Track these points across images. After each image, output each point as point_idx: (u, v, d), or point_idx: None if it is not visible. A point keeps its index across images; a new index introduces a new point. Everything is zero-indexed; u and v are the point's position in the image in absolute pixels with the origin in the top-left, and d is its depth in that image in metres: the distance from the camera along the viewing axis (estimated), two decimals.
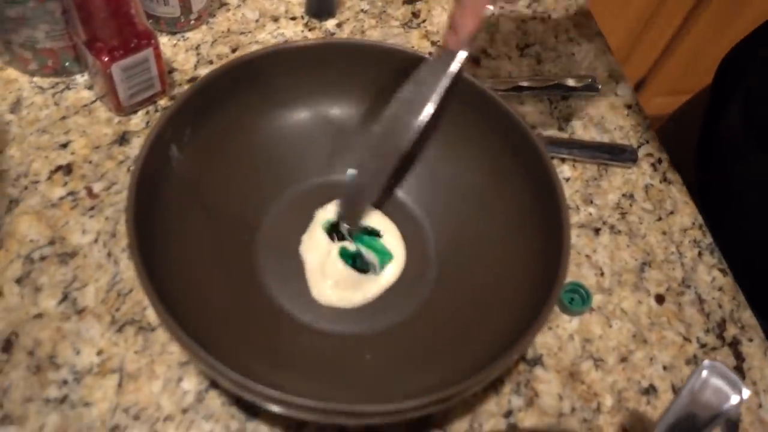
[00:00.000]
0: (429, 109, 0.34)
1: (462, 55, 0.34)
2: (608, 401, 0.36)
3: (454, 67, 0.34)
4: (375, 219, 0.39)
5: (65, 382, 0.33)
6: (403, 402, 0.27)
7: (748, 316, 0.41)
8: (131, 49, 0.39)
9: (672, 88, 1.47)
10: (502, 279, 0.36)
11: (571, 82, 0.49)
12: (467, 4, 0.32)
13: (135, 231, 0.29)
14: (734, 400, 0.26)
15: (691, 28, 1.29)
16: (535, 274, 0.34)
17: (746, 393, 0.27)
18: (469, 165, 0.39)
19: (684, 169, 0.47)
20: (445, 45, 0.34)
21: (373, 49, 0.38)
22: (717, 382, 0.26)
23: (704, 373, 0.27)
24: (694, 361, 0.38)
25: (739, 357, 0.39)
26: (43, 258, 0.36)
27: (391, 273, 0.38)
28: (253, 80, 0.37)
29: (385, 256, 0.38)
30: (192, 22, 0.47)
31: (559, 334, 0.39)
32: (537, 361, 0.38)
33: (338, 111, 0.40)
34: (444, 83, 0.34)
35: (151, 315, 0.35)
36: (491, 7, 0.33)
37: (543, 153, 0.35)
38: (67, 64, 0.43)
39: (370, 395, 0.31)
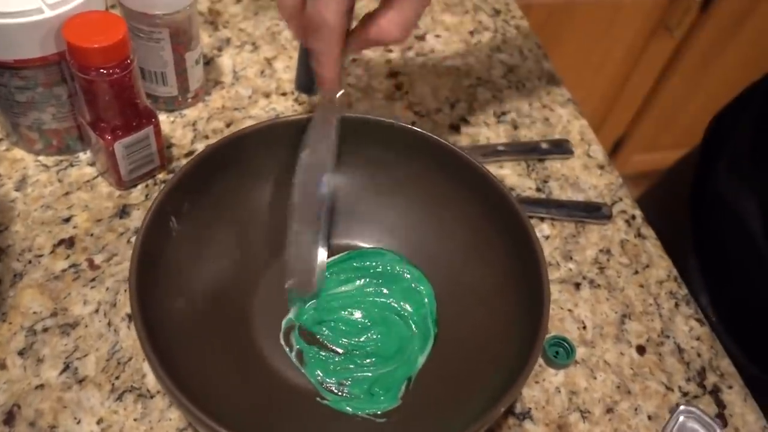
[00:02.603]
0: (329, 150, 0.38)
1: (338, 96, 0.38)
2: None
3: (337, 110, 0.38)
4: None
5: None
6: None
7: (726, 364, 0.43)
8: (133, 128, 0.42)
9: (650, 146, 1.53)
10: (490, 337, 0.37)
11: (546, 146, 0.52)
12: (319, 62, 0.35)
13: (138, 300, 0.31)
14: None
15: (665, 87, 1.35)
16: (519, 331, 0.35)
17: None
18: (451, 228, 0.41)
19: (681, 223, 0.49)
20: (322, 96, 0.38)
21: (356, 121, 0.41)
22: (693, 426, 0.28)
23: (681, 418, 0.28)
24: (677, 410, 0.40)
25: (720, 404, 0.41)
26: (45, 329, 0.38)
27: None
28: (246, 154, 0.39)
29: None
30: (189, 100, 0.50)
31: (546, 388, 0.40)
32: (526, 415, 0.39)
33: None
34: (334, 127, 0.38)
35: (150, 382, 0.37)
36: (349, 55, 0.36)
37: (521, 214, 0.37)
38: (70, 143, 0.46)
39: None
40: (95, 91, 0.39)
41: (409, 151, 0.40)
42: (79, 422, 0.35)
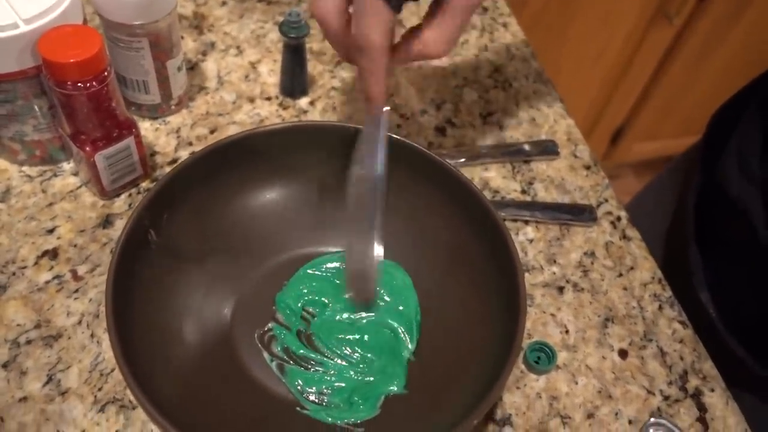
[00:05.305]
0: (381, 166, 0.38)
1: (385, 112, 0.37)
2: None
3: (384, 125, 0.38)
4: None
5: None
6: None
7: (708, 366, 0.43)
8: (113, 139, 0.42)
9: (651, 134, 1.51)
10: (469, 347, 0.37)
11: (532, 147, 0.52)
12: (366, 79, 0.35)
13: (114, 315, 0.31)
14: None
15: (665, 76, 1.34)
16: (498, 341, 0.35)
17: None
18: (434, 236, 0.41)
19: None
20: (367, 113, 0.38)
21: (332, 129, 0.41)
22: None
23: (650, 430, 0.28)
24: (658, 414, 0.40)
25: (701, 408, 0.41)
26: (29, 341, 0.38)
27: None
28: (224, 165, 0.40)
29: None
30: (173, 107, 0.50)
31: (527, 393, 0.40)
32: (506, 421, 0.39)
33: (300, 189, 0.43)
34: (383, 141, 0.38)
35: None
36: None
37: (498, 220, 0.37)
38: (53, 153, 0.46)
39: None
40: (73, 105, 0.39)
41: (390, 159, 0.40)
42: None
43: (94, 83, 0.38)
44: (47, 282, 0.41)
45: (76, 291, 0.41)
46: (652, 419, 0.27)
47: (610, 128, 1.50)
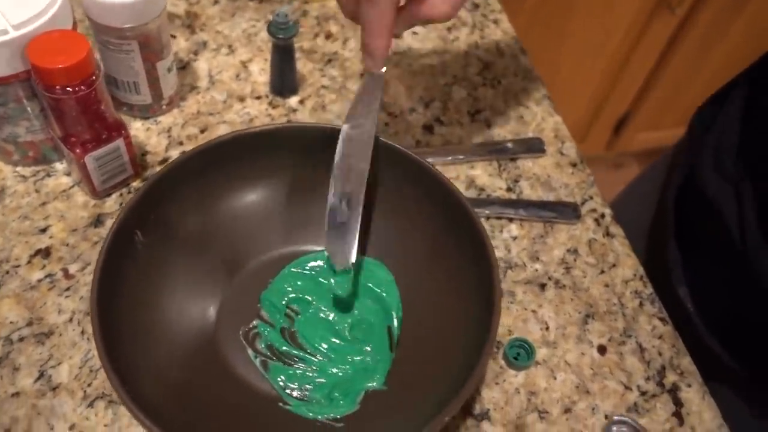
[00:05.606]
0: (374, 123, 0.39)
1: (383, 71, 0.39)
2: None
3: (380, 86, 0.39)
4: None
5: None
6: None
7: (687, 362, 0.43)
8: (103, 140, 0.43)
9: (654, 124, 1.51)
10: (447, 344, 0.38)
11: (518, 145, 0.53)
12: (372, 31, 0.36)
13: (98, 314, 0.33)
14: None
15: (667, 66, 1.33)
16: (474, 337, 0.36)
17: None
18: (413, 234, 0.42)
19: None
20: (367, 69, 0.39)
21: (314, 130, 0.42)
22: None
23: (614, 428, 0.29)
24: (634, 409, 0.41)
25: (678, 403, 0.41)
26: (21, 339, 0.39)
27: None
28: (209, 166, 0.41)
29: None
30: (164, 107, 0.51)
31: (505, 389, 0.41)
32: (484, 416, 0.40)
33: (284, 189, 0.44)
34: (378, 102, 0.39)
35: None
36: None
37: (475, 218, 0.38)
38: (46, 153, 0.47)
39: None
40: (62, 108, 0.40)
41: (373, 159, 0.41)
42: (52, 428, 0.37)
43: (82, 87, 0.39)
44: (39, 280, 0.42)
45: (68, 289, 0.42)
46: (616, 417, 0.28)
47: (613, 118, 1.49)
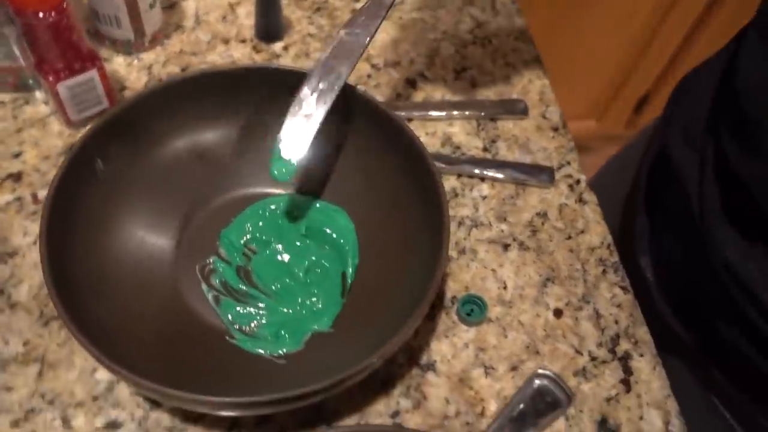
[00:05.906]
0: (368, 38, 0.39)
1: None
2: (492, 406, 0.39)
3: (388, 3, 0.40)
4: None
5: None
6: (287, 391, 0.30)
7: (643, 332, 0.43)
8: (76, 71, 0.43)
9: None
10: (398, 290, 0.39)
11: (500, 105, 0.52)
12: None
13: (47, 234, 0.33)
14: (564, 405, 0.29)
15: (694, 43, 1.29)
16: (420, 287, 0.36)
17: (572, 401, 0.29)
18: (376, 181, 0.42)
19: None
20: None
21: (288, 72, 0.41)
22: (549, 388, 0.29)
23: (536, 381, 0.29)
24: (582, 374, 0.41)
25: (627, 371, 0.41)
26: None
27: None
28: (177, 101, 0.41)
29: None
30: (146, 44, 0.51)
31: (454, 343, 0.41)
32: (430, 366, 0.40)
33: (253, 129, 0.44)
34: (381, 17, 0.39)
35: None
36: None
37: (432, 167, 0.38)
38: (30, 81, 0.47)
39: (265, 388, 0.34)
40: (34, 33, 0.41)
41: (337, 104, 0.41)
42: (7, 343, 0.38)
43: (52, 14, 0.40)
44: (8, 203, 0.43)
45: (34, 213, 0.43)
46: (539, 370, 0.28)
47: (634, 97, 1.46)
